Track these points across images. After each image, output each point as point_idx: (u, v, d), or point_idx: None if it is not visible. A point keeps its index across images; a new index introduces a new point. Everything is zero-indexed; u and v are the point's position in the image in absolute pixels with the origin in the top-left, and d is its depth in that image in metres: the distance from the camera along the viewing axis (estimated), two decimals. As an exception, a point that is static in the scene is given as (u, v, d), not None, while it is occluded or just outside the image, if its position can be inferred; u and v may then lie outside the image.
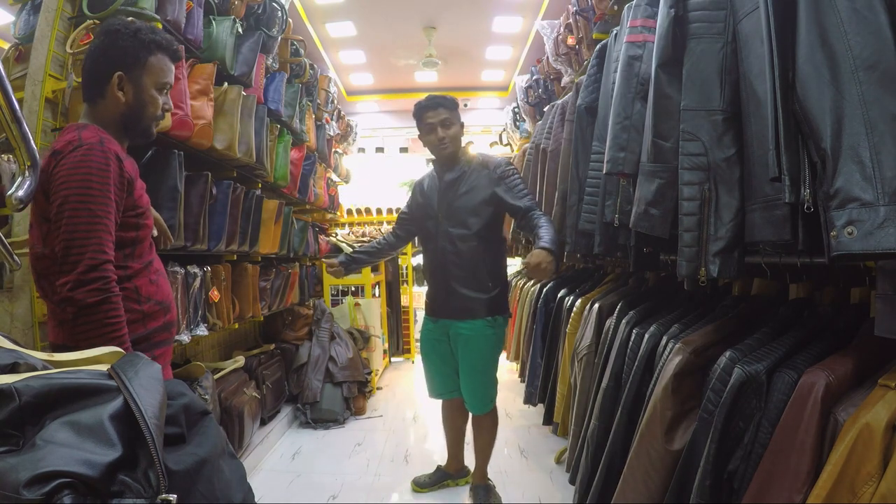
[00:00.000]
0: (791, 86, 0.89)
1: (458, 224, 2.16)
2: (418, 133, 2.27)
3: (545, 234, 1.99)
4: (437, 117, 2.16)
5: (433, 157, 2.27)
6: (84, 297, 1.12)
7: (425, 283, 2.41)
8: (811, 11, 0.86)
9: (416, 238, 2.55)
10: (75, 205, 1.14)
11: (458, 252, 2.17)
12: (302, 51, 3.60)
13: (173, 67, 1.35)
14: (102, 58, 1.27)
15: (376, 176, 7.19)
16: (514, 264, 6.10)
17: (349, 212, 6.63)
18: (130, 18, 1.36)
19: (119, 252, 1.23)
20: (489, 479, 2.43)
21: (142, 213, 1.28)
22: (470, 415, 2.39)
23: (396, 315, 5.27)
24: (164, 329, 1.33)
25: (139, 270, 1.28)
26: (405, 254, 5.59)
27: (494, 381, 2.32)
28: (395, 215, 6.35)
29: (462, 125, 2.25)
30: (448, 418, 2.53)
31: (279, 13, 2.89)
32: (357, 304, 4.40)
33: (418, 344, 2.51)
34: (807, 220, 0.95)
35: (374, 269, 4.80)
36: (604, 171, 1.64)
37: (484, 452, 2.39)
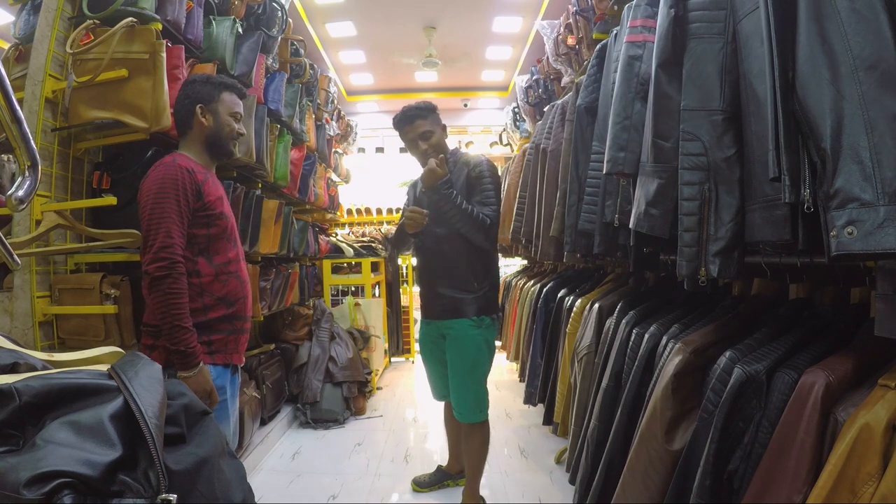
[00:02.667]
0: (791, 86, 0.89)
1: (443, 224, 2.13)
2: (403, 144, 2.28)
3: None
4: (415, 131, 2.16)
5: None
6: (154, 270, 1.45)
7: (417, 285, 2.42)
8: (811, 11, 0.86)
9: None
10: (152, 205, 1.49)
11: (443, 252, 2.17)
12: (302, 51, 3.60)
13: (241, 102, 1.73)
14: (186, 100, 1.65)
15: (376, 176, 7.20)
16: (513, 264, 6.11)
17: (349, 212, 6.64)
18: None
19: (193, 247, 1.55)
20: (481, 498, 2.32)
21: (213, 215, 1.58)
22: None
23: (396, 315, 5.27)
24: (225, 320, 1.61)
25: (207, 268, 1.58)
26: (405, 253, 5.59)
27: (483, 388, 2.22)
28: (395, 215, 6.38)
29: (444, 128, 2.23)
30: (449, 420, 2.52)
31: (279, 13, 2.89)
32: (357, 304, 4.40)
33: (418, 345, 2.49)
34: (807, 220, 0.95)
35: (374, 269, 4.79)
36: (604, 171, 1.64)
37: (474, 469, 2.28)
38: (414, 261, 5.83)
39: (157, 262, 1.45)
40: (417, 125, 2.15)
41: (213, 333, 1.57)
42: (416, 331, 5.72)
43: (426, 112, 2.17)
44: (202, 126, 1.64)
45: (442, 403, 2.53)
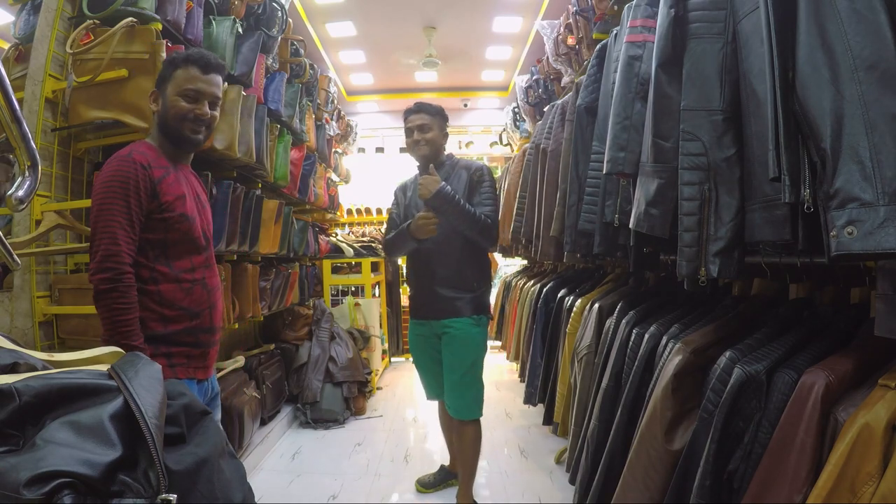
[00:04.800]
0: (791, 86, 0.89)
1: (443, 226, 2.16)
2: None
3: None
4: (416, 121, 2.24)
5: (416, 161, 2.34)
6: (97, 283, 1.30)
7: (410, 286, 2.41)
8: (811, 11, 0.86)
9: None
10: (99, 205, 1.33)
11: (445, 253, 2.20)
12: (302, 51, 3.60)
13: (209, 76, 1.46)
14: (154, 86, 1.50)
15: (376, 176, 7.20)
16: (513, 264, 6.11)
17: (349, 212, 6.64)
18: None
19: (149, 252, 1.39)
20: (475, 501, 2.31)
21: (171, 218, 1.40)
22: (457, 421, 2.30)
23: (396, 315, 5.27)
24: (188, 333, 1.43)
25: (167, 275, 1.40)
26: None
27: (480, 384, 2.27)
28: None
29: (444, 135, 2.31)
30: (445, 420, 2.50)
31: (279, 13, 2.89)
32: (357, 304, 4.40)
33: (410, 347, 2.47)
34: (807, 220, 0.95)
35: (374, 269, 4.79)
36: (604, 171, 1.64)
37: (467, 468, 2.29)
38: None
39: (101, 272, 1.29)
40: (420, 116, 2.24)
41: (173, 346, 1.41)
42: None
43: (433, 111, 2.26)
44: (154, 112, 1.48)
45: (437, 403, 2.53)
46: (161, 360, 1.36)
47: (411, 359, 2.43)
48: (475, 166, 2.30)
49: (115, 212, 1.32)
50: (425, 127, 2.25)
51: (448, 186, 2.12)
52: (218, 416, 1.64)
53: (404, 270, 5.55)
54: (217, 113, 1.53)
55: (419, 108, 2.27)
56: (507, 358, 4.25)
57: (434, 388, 2.42)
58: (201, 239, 1.49)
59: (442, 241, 2.18)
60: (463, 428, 2.26)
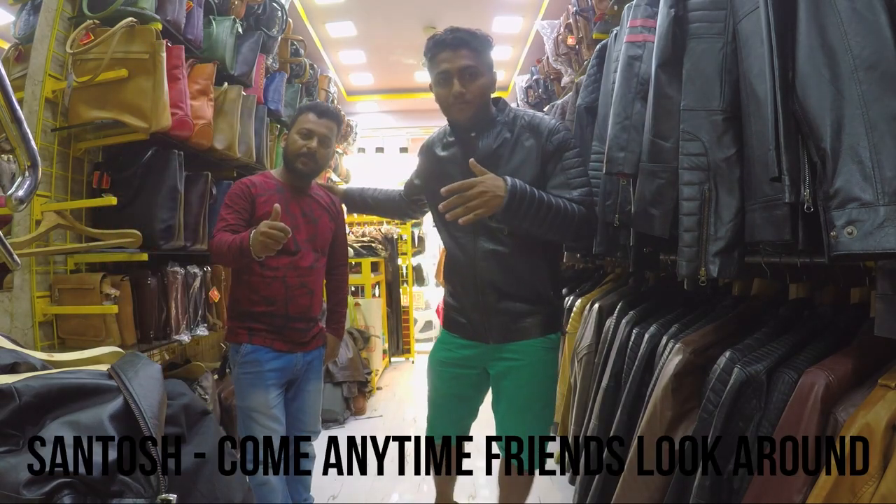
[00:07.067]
0: (791, 86, 0.89)
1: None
2: (430, 81, 1.60)
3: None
4: (455, 62, 1.47)
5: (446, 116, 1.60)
6: (209, 246, 1.87)
7: (446, 286, 1.77)
8: (811, 11, 0.86)
9: (435, 227, 1.81)
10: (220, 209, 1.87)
11: (506, 252, 1.55)
12: (302, 51, 3.60)
13: (321, 120, 1.84)
14: None
15: (376, 176, 7.20)
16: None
17: (349, 212, 6.63)
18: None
19: None
20: None
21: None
22: (499, 471, 1.77)
23: (396, 315, 5.27)
24: (265, 315, 1.83)
25: (254, 270, 1.81)
26: (405, 254, 5.59)
27: (550, 426, 1.73)
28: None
29: (494, 79, 1.56)
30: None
31: (279, 13, 2.89)
32: (357, 304, 4.40)
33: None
34: (807, 220, 0.95)
35: (374, 269, 4.79)
36: (604, 171, 1.64)
37: None
38: (414, 259, 5.79)
39: (210, 239, 1.84)
40: (462, 55, 1.47)
41: (253, 322, 1.83)
42: (416, 331, 5.69)
43: (481, 44, 1.50)
44: (283, 148, 1.92)
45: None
46: (243, 330, 1.82)
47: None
48: (547, 126, 1.52)
49: (223, 215, 1.81)
50: (470, 71, 1.47)
51: (518, 184, 1.37)
52: (316, 386, 2.00)
53: (403, 270, 5.54)
54: (326, 151, 1.87)
55: (461, 40, 1.46)
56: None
57: (450, 426, 1.81)
58: (291, 245, 1.76)
59: (502, 237, 1.55)
60: (519, 481, 1.69)
